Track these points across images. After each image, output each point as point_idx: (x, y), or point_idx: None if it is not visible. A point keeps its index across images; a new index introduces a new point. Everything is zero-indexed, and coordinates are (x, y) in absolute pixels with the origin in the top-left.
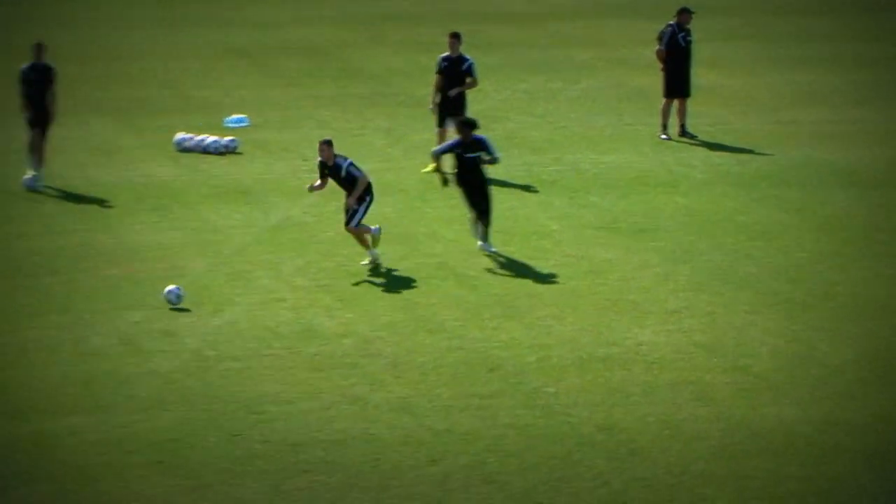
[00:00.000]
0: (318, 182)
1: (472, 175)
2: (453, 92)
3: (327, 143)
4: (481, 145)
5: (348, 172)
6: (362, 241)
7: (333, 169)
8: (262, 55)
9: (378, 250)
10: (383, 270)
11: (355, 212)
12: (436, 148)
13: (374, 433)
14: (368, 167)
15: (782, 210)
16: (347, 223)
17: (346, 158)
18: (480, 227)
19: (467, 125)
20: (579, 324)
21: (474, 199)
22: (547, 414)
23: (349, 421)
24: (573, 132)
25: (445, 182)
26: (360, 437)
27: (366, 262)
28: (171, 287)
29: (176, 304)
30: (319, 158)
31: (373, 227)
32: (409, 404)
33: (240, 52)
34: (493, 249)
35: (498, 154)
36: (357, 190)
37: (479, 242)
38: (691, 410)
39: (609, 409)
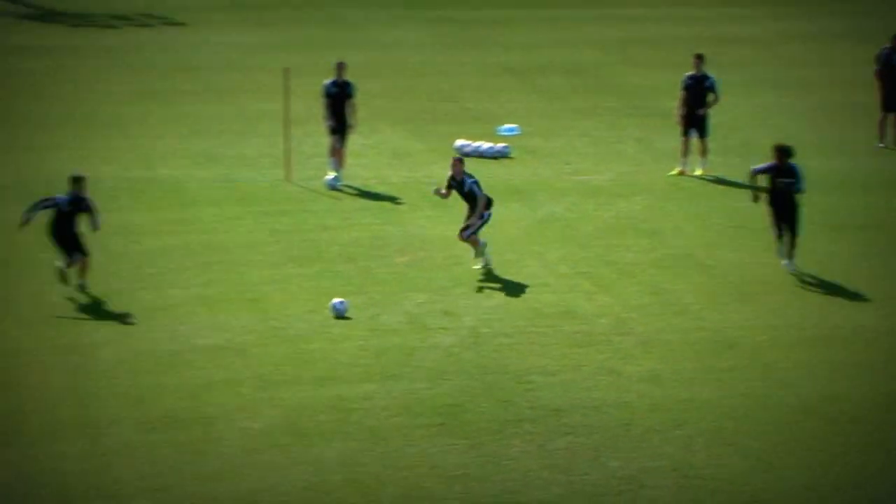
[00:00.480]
0: (444, 191)
1: (782, 198)
2: (702, 111)
3: (459, 161)
4: (792, 172)
5: (470, 189)
6: (475, 248)
7: (459, 183)
8: (529, 73)
9: (490, 256)
10: (631, 261)
11: (472, 224)
12: (754, 167)
13: (626, 401)
14: (622, 170)
15: None
16: (461, 232)
17: (472, 177)
18: (784, 247)
19: (784, 152)
20: (806, 308)
21: (782, 220)
22: (777, 385)
23: (605, 390)
24: (801, 139)
25: (756, 199)
26: (614, 404)
27: (478, 266)
28: (336, 301)
29: (341, 314)
30: (450, 173)
31: (481, 240)
32: (658, 376)
33: (510, 70)
34: (794, 268)
35: (803, 185)
36: (478, 208)
37: (784, 261)
38: None
39: (831, 382)
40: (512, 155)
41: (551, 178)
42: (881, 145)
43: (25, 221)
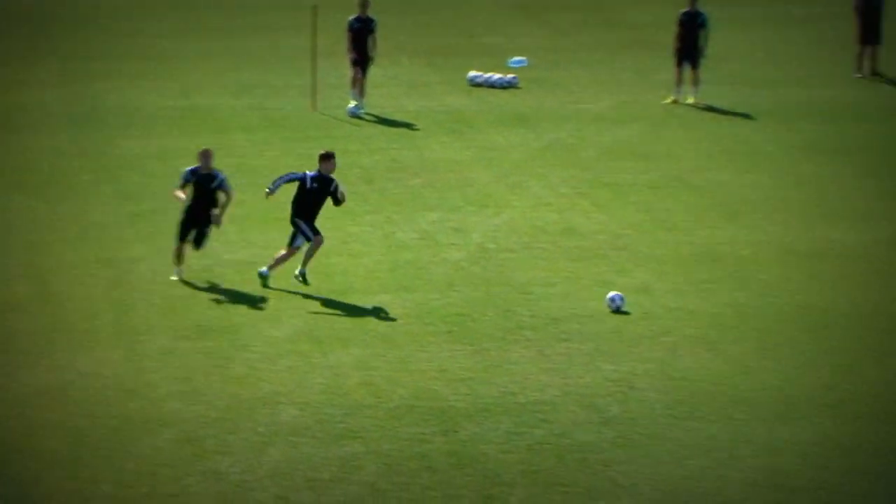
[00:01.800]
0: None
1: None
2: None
3: (205, 154)
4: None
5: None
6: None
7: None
8: (537, 9)
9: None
10: (627, 182)
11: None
12: None
13: (613, 314)
14: (621, 99)
15: None
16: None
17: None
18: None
19: None
20: (786, 225)
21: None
22: (757, 296)
23: (600, 300)
24: (785, 71)
25: None
26: (607, 313)
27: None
28: (613, 294)
29: (619, 307)
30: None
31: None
32: (648, 287)
33: (520, 6)
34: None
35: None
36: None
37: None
38: (877, 294)
39: (808, 292)
40: (520, 85)
41: (555, 107)
42: (858, 75)
43: (270, 192)
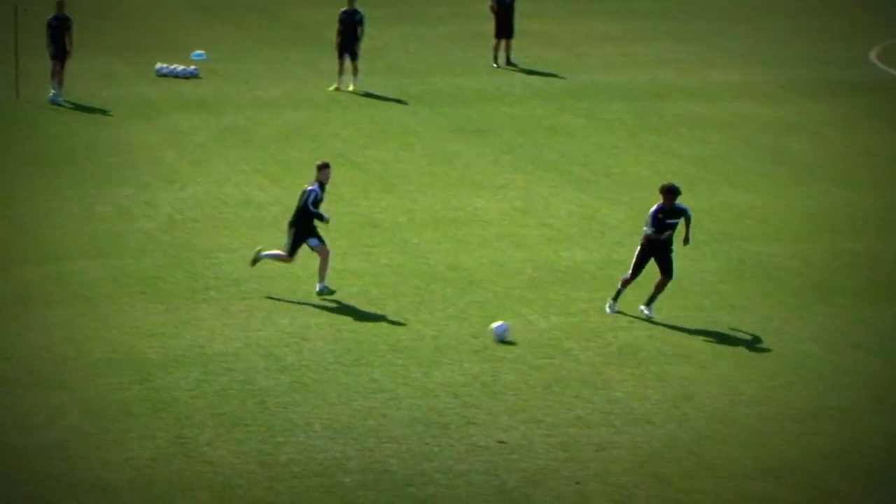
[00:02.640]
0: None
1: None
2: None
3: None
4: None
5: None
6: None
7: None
8: (217, 8)
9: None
10: (297, 159)
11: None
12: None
13: (292, 271)
14: (291, 87)
15: (576, 115)
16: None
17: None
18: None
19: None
20: (438, 195)
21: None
22: (412, 258)
23: (272, 263)
24: (433, 62)
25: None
26: (284, 273)
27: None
28: (497, 325)
29: (501, 338)
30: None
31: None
32: (312, 256)
33: (200, 6)
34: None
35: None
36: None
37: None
38: (512, 254)
39: (456, 254)
40: (201, 76)
41: (233, 94)
42: (495, 65)
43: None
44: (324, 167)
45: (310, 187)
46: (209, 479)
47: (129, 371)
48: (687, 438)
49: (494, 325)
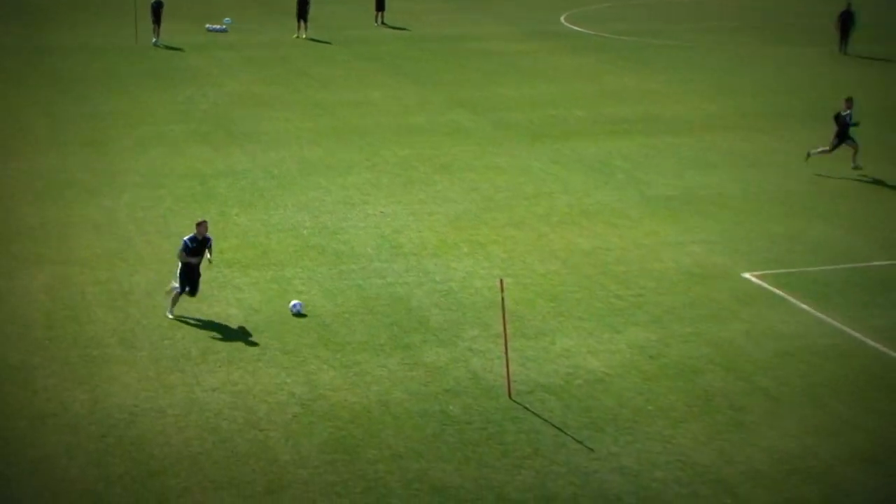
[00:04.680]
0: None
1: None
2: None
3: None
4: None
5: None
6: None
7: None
8: None
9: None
10: (282, 73)
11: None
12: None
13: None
14: (273, 36)
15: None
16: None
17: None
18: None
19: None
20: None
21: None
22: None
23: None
24: (348, 22)
25: None
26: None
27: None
28: (295, 303)
29: (298, 312)
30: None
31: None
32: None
33: None
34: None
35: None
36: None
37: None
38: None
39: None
40: (229, 31)
41: (246, 40)
42: (376, 25)
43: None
44: (200, 224)
45: (187, 237)
46: None
47: None
48: None
49: (291, 302)
